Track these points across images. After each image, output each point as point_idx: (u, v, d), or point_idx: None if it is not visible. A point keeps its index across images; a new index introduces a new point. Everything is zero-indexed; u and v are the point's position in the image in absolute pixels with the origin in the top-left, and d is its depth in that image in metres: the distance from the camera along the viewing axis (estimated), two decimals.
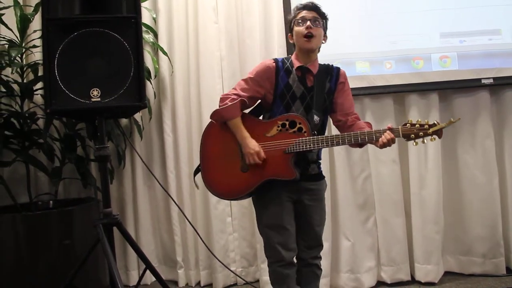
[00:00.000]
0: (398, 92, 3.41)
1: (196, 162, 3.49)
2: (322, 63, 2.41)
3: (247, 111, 2.40)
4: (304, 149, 2.21)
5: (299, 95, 2.31)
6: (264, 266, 3.39)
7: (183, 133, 3.56)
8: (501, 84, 3.36)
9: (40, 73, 3.13)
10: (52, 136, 3.30)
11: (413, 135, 2.15)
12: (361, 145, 2.32)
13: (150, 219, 3.67)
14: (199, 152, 2.42)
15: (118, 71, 2.31)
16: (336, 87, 2.40)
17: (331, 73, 2.40)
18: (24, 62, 3.25)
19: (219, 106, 2.30)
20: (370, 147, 3.38)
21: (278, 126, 2.25)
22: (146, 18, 3.49)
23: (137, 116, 3.49)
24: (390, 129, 2.17)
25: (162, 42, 3.56)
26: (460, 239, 3.45)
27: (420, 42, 3.36)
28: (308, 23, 2.28)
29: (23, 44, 3.15)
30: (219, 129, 2.34)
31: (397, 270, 3.39)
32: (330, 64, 2.44)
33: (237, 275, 3.44)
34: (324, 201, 2.45)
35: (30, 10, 3.25)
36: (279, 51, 3.40)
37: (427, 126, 2.14)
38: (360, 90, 3.35)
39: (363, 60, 3.40)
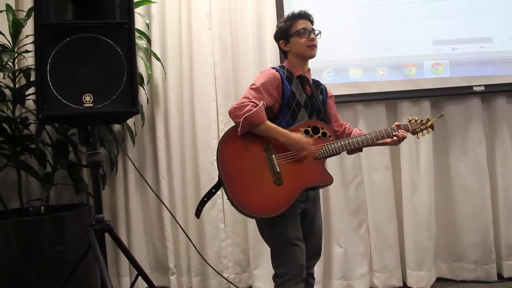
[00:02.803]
0: (391, 99, 3.43)
1: (188, 168, 3.52)
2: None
3: None
4: (334, 154, 2.25)
5: (303, 103, 2.29)
6: (257, 273, 3.40)
7: (175, 139, 3.56)
8: (492, 91, 3.38)
9: (32, 78, 3.12)
10: (44, 142, 3.28)
11: (418, 129, 2.38)
12: (361, 149, 2.42)
13: (142, 225, 3.65)
14: (218, 173, 2.16)
15: (110, 76, 2.31)
16: (327, 99, 2.46)
17: (320, 87, 2.46)
18: (16, 67, 3.24)
19: (237, 116, 2.12)
20: (362, 153, 3.40)
21: (302, 134, 2.22)
22: (139, 23, 3.49)
23: (130, 122, 3.48)
24: (398, 126, 2.36)
25: (155, 48, 3.55)
26: (452, 245, 3.46)
27: (413, 49, 3.39)
28: (312, 35, 2.31)
29: (15, 49, 3.14)
30: (237, 143, 2.17)
31: (389, 276, 3.39)
32: (315, 79, 2.50)
33: (230, 282, 3.43)
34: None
35: (22, 15, 3.24)
36: (272, 57, 3.40)
37: (424, 121, 2.39)
38: (352, 97, 3.38)
39: (356, 66, 3.41)
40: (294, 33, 2.32)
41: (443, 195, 3.48)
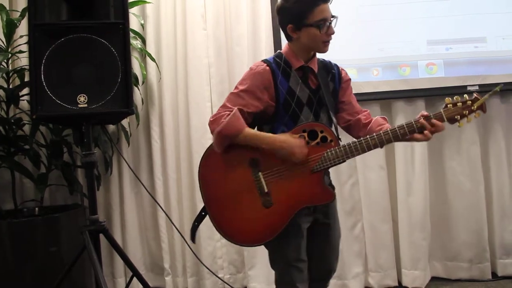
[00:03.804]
0: (385, 99, 3.43)
1: (183, 168, 3.51)
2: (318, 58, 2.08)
3: None
4: (336, 163, 1.86)
5: (306, 101, 1.94)
6: (252, 273, 3.40)
7: (170, 139, 3.55)
8: (486, 91, 3.35)
9: (26, 79, 3.11)
10: (38, 142, 3.27)
11: (458, 116, 1.85)
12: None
13: (137, 226, 3.64)
14: (201, 195, 1.98)
15: (105, 77, 2.31)
16: (340, 86, 2.08)
17: (332, 71, 2.07)
18: (10, 68, 3.22)
19: (213, 130, 1.86)
20: None
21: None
22: (134, 24, 3.48)
23: (125, 122, 3.47)
24: (427, 117, 1.83)
25: (150, 48, 3.54)
26: (447, 244, 3.47)
27: (407, 50, 3.39)
28: (331, 28, 1.93)
29: (9, 50, 3.13)
30: (219, 161, 1.91)
31: (384, 276, 3.40)
32: (326, 59, 2.12)
33: (225, 282, 3.42)
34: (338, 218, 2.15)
35: (16, 15, 3.23)
36: None
37: (469, 102, 1.86)
38: None
39: (350, 66, 3.40)
40: (311, 24, 1.89)
41: (438, 194, 3.49)
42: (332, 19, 1.93)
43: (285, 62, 1.96)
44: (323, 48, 1.97)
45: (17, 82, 3.20)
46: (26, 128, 3.26)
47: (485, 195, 3.41)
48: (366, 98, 3.37)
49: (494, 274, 3.41)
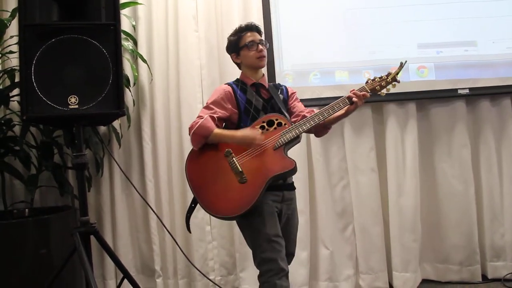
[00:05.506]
0: (377, 101, 3.44)
1: (175, 170, 3.51)
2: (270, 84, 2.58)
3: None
4: (292, 138, 2.28)
5: (261, 107, 2.42)
6: (243, 275, 3.40)
7: (162, 141, 3.54)
8: (476, 94, 3.42)
9: (17, 79, 3.09)
10: (28, 143, 3.25)
11: (378, 87, 2.39)
12: (328, 126, 2.48)
13: (128, 228, 3.63)
14: (189, 186, 2.35)
15: (96, 78, 2.30)
16: (288, 97, 2.57)
17: (280, 88, 2.58)
18: (0, 68, 3.21)
19: (191, 135, 2.32)
20: (348, 156, 3.43)
21: (257, 129, 2.32)
22: (125, 25, 3.47)
23: (116, 123, 3.46)
24: (354, 91, 2.34)
25: (142, 50, 3.54)
26: (437, 247, 3.49)
27: (398, 52, 3.40)
28: (260, 46, 2.43)
29: (0, 50, 3.11)
30: (197, 156, 2.36)
31: (375, 278, 3.41)
32: (276, 83, 2.67)
33: (216, 284, 3.42)
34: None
35: (7, 15, 3.21)
36: None
37: (384, 76, 2.41)
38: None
39: (342, 69, 3.43)
40: (243, 47, 2.45)
41: (429, 197, 3.50)
42: (261, 41, 2.46)
43: (242, 82, 2.49)
44: (260, 63, 2.47)
45: (8, 82, 3.17)
46: (17, 129, 3.25)
47: (475, 197, 3.44)
48: None
49: (484, 277, 3.43)
